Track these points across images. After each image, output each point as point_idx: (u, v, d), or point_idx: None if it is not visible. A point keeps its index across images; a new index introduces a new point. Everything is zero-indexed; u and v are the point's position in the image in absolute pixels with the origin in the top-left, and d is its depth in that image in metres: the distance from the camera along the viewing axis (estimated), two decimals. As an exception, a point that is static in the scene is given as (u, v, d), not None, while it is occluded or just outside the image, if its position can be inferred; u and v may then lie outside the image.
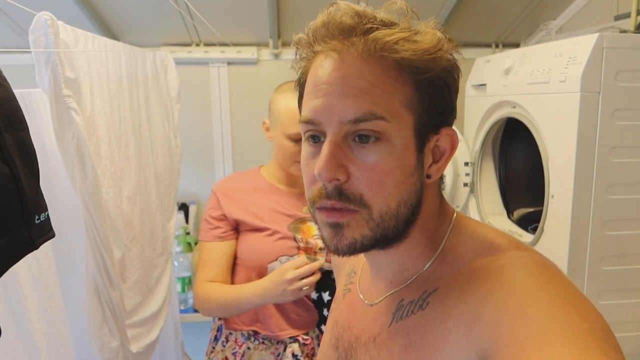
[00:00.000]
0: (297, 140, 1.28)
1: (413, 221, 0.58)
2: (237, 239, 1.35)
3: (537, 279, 0.49)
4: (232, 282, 1.35)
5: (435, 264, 0.60)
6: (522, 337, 0.43)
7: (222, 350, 1.35)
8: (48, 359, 1.10)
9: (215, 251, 1.33)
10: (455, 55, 0.57)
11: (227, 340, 1.35)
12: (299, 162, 1.13)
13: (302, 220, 1.35)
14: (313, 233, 1.34)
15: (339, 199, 0.54)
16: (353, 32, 0.54)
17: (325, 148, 0.54)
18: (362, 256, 0.71)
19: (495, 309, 0.48)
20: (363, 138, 0.53)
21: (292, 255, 1.29)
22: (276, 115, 1.32)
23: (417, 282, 0.60)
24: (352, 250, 0.56)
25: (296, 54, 0.61)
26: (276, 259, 1.29)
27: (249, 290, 1.26)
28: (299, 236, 1.31)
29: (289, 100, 1.29)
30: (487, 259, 0.55)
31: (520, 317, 0.45)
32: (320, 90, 0.55)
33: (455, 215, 0.63)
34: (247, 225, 1.32)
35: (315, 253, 1.31)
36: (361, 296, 0.69)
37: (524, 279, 0.49)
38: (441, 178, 0.63)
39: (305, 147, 0.59)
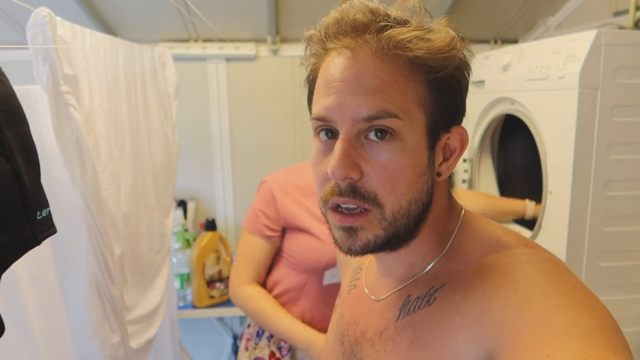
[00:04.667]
0: None
1: (423, 219, 0.58)
2: (283, 238, 1.31)
3: (545, 276, 0.49)
4: (277, 279, 1.32)
5: (442, 261, 0.60)
6: (529, 332, 0.43)
7: (267, 346, 1.32)
8: (47, 356, 1.10)
9: (260, 249, 1.29)
10: (466, 53, 0.57)
11: (272, 336, 1.33)
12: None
13: None
14: None
15: (353, 196, 0.54)
16: (366, 29, 0.54)
17: (338, 146, 0.53)
18: None
19: (503, 304, 0.48)
20: (378, 134, 0.53)
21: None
22: None
23: (425, 278, 0.60)
24: (365, 251, 0.56)
25: (306, 51, 0.61)
26: (334, 266, 1.25)
27: (296, 330, 1.23)
28: None
29: None
30: (495, 255, 0.55)
31: (527, 312, 0.45)
32: (333, 87, 0.54)
33: (463, 212, 0.63)
34: (301, 226, 1.26)
35: None
36: (367, 292, 0.69)
37: (532, 275, 0.49)
38: (450, 176, 0.63)
39: (316, 145, 0.59)
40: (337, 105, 0.54)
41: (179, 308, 2.01)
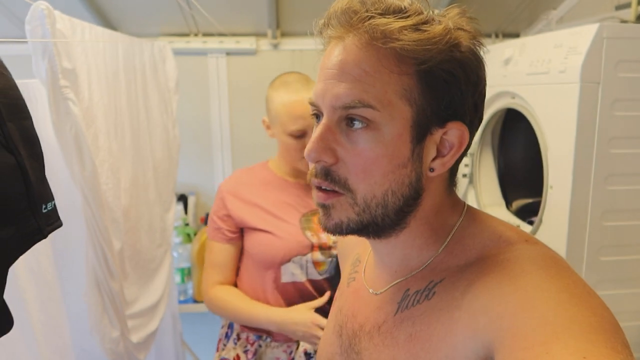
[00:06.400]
0: (298, 136, 1.25)
1: (409, 212, 0.58)
2: (242, 238, 1.33)
3: (545, 272, 0.49)
4: (244, 279, 1.34)
5: (442, 255, 0.60)
6: (528, 329, 0.43)
7: (233, 348, 1.33)
8: (46, 350, 1.11)
9: (222, 253, 1.33)
10: (474, 48, 0.56)
11: (239, 338, 1.34)
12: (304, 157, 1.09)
13: (314, 212, 1.32)
14: None
15: (325, 178, 0.57)
16: (355, 18, 0.54)
17: (317, 130, 0.57)
18: (368, 246, 0.72)
19: (502, 300, 0.48)
20: (354, 123, 0.55)
21: (304, 254, 1.27)
22: (273, 113, 1.29)
23: (424, 272, 0.60)
24: (339, 230, 0.59)
25: (322, 37, 0.63)
26: (289, 260, 1.26)
27: (264, 315, 1.25)
28: (309, 233, 1.29)
29: (283, 97, 1.26)
30: (496, 251, 0.55)
31: (527, 309, 0.45)
32: (323, 74, 0.57)
33: (465, 208, 0.63)
34: (252, 226, 1.29)
35: (330, 248, 1.29)
36: (366, 285, 0.69)
37: (532, 271, 0.49)
38: (454, 172, 0.62)
39: (313, 128, 0.62)
40: (322, 91, 0.56)
41: (180, 302, 2.02)
